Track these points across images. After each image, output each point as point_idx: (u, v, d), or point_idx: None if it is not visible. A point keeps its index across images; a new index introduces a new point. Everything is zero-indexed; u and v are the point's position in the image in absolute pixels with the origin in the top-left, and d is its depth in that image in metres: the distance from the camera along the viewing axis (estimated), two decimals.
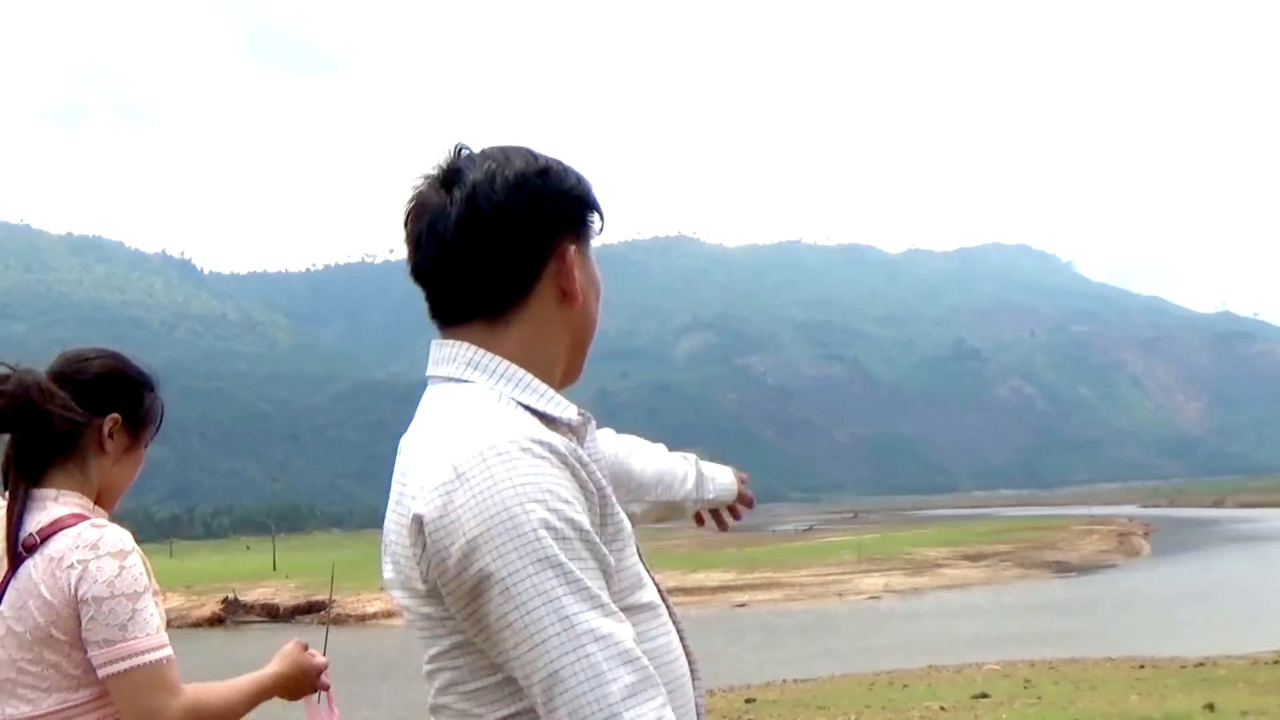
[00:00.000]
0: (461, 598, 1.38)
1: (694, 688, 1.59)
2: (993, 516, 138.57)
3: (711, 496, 2.23)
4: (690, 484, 2.17)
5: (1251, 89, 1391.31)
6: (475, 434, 1.40)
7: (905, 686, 19.57)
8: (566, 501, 1.37)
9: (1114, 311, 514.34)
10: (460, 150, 1.58)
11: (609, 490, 1.47)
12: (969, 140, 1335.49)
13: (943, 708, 15.00)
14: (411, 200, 1.57)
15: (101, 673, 2.11)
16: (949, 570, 62.04)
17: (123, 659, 2.10)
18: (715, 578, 60.36)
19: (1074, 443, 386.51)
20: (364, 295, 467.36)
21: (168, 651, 2.15)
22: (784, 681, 24.51)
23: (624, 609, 1.42)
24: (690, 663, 1.60)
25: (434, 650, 1.47)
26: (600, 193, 1.64)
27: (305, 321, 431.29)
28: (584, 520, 1.38)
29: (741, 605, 51.31)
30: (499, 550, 1.33)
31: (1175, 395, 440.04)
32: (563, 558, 1.33)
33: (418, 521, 1.39)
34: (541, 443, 1.40)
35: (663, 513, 2.18)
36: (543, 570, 1.33)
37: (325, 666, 2.48)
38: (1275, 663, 22.18)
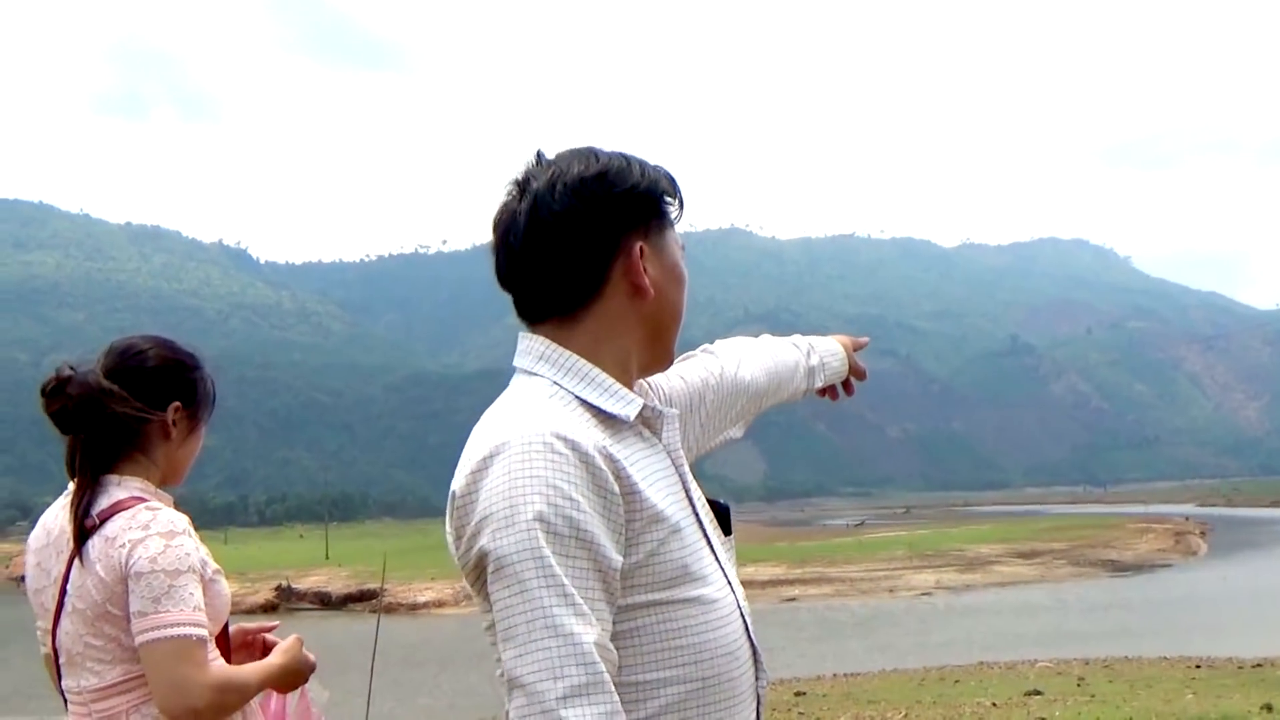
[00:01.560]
0: (469, 573, 1.51)
1: (757, 679, 1.66)
2: (1046, 514, 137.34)
3: (821, 384, 2.24)
4: (800, 376, 2.18)
5: None
6: (512, 425, 1.51)
7: (956, 683, 19.51)
8: (571, 500, 1.44)
9: (1172, 308, 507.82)
10: (539, 157, 1.65)
11: (641, 487, 1.53)
12: (1024, 133, 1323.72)
13: (994, 704, 14.90)
14: (499, 208, 1.66)
15: (136, 641, 2.21)
16: (1001, 567, 61.62)
17: (153, 629, 2.19)
18: (766, 571, 60.24)
19: (1130, 441, 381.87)
20: (417, 286, 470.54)
21: (201, 631, 2.23)
22: (834, 676, 24.50)
23: (660, 603, 1.52)
24: (755, 655, 1.66)
25: (484, 625, 1.55)
26: (681, 192, 1.70)
27: (359, 312, 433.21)
28: (587, 521, 1.45)
29: (792, 600, 51.26)
30: (496, 533, 1.44)
31: (1234, 394, 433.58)
32: (547, 551, 1.41)
33: (451, 497, 1.52)
34: (566, 440, 1.47)
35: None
36: (524, 560, 1.41)
37: (315, 666, 2.59)
38: None
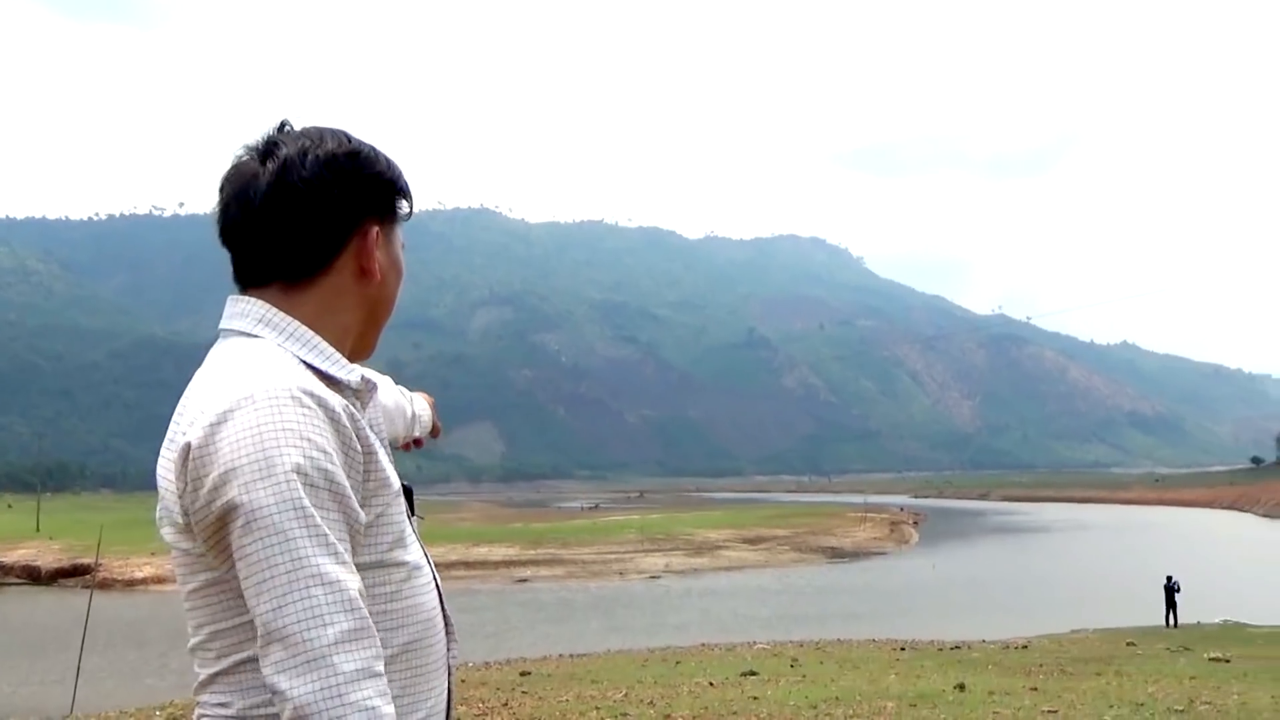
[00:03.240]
0: (208, 527, 1.46)
1: (448, 648, 1.71)
2: (774, 502, 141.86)
3: (417, 434, 2.36)
4: (408, 419, 2.30)
5: (1030, 109, 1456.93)
6: (251, 378, 1.50)
7: (678, 663, 19.97)
8: (324, 452, 1.46)
9: (899, 308, 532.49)
10: (283, 125, 1.68)
11: (378, 448, 1.58)
12: (770, 133, 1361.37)
13: (711, 684, 15.39)
14: (230, 167, 1.65)
15: None
16: (729, 552, 63.29)
17: None
18: (499, 552, 60.29)
19: (854, 433, 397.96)
20: (150, 249, 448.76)
21: None
22: (560, 656, 24.74)
23: (382, 564, 1.56)
24: (447, 625, 1.72)
25: (190, 586, 1.54)
26: (404, 161, 1.73)
27: (84, 273, 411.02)
28: (338, 474, 1.47)
29: (524, 581, 51.47)
30: (248, 484, 1.41)
31: (950, 392, 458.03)
32: (306, 502, 1.42)
33: (185, 450, 1.48)
34: (312, 395, 1.49)
35: None
36: (284, 511, 1.40)
37: None
38: (1024, 647, 23.55)
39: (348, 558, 1.44)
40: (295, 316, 1.61)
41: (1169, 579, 32.55)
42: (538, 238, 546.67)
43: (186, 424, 1.50)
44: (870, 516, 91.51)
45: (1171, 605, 32.10)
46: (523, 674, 18.47)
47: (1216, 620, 31.61)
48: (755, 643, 25.97)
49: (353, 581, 1.43)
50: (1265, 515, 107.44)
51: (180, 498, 1.49)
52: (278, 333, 1.59)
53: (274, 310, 1.61)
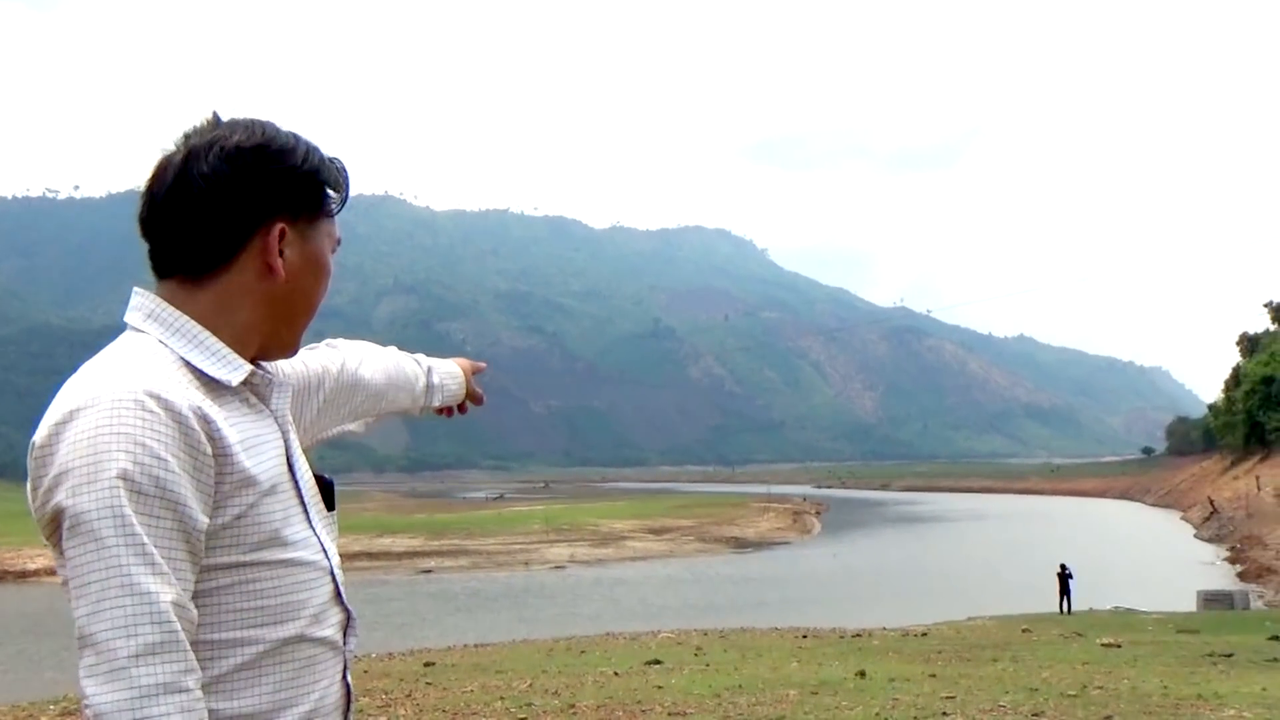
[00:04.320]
0: (44, 527, 1.47)
1: (345, 641, 1.71)
2: (679, 492, 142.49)
3: (439, 403, 2.30)
4: (419, 389, 2.23)
5: (934, 104, 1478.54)
6: (103, 379, 1.48)
7: (583, 653, 20.01)
8: (158, 459, 1.42)
9: (802, 300, 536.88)
10: (215, 117, 1.64)
11: (236, 449, 1.52)
12: (676, 124, 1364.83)
13: (616, 673, 15.45)
14: (160, 157, 1.62)
15: None
16: (634, 542, 63.57)
17: None
18: (402, 543, 59.96)
19: (758, 424, 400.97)
20: (43, 233, 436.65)
21: None
22: (465, 646, 24.68)
23: (249, 564, 1.53)
24: (348, 619, 1.72)
25: (61, 579, 1.52)
26: (349, 187, 1.72)
27: None
28: (174, 481, 1.43)
29: (428, 571, 51.22)
30: (75, 489, 1.40)
31: (853, 383, 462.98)
32: (128, 510, 1.39)
33: (31, 448, 1.48)
34: (159, 398, 1.46)
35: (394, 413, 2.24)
36: (104, 518, 1.39)
37: None
38: (923, 634, 23.92)
39: (168, 569, 1.41)
40: (190, 311, 1.58)
41: (1063, 567, 33.29)
42: (443, 226, 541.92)
43: (42, 422, 1.50)
44: (773, 506, 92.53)
45: (1065, 592, 32.84)
46: (426, 665, 18.40)
47: (1108, 607, 32.39)
48: (660, 632, 26.09)
49: (166, 593, 1.40)
50: (1155, 504, 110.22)
51: (29, 495, 1.50)
52: (164, 328, 1.57)
53: (164, 305, 1.59)
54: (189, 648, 1.41)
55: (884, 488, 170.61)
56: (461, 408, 2.40)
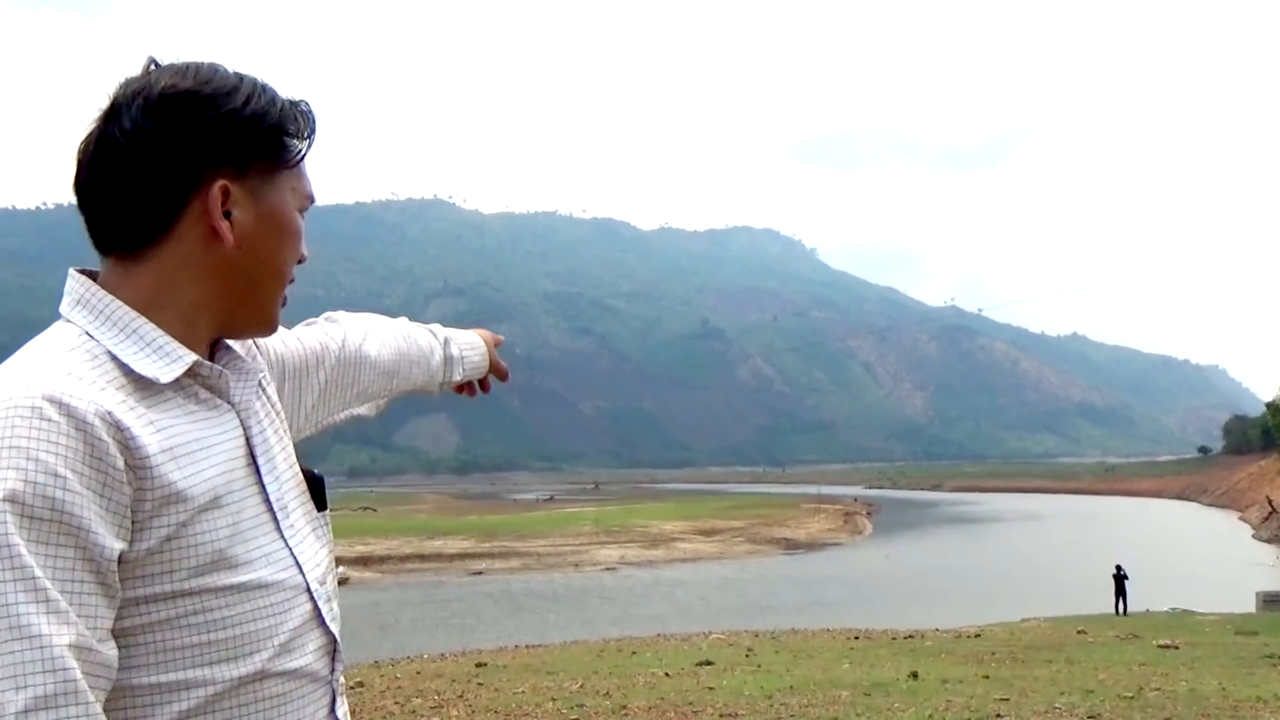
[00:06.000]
0: None
1: (331, 670, 1.44)
2: (728, 493, 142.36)
3: (460, 377, 2.05)
4: (436, 363, 1.98)
5: (983, 101, 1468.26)
6: (4, 384, 1.24)
7: (634, 654, 20.05)
8: (55, 476, 1.18)
9: (851, 300, 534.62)
10: (149, 63, 1.39)
11: (158, 461, 1.25)
12: (723, 124, 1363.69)
13: (667, 674, 15.45)
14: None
15: None
16: (684, 544, 63.54)
17: None
18: (454, 545, 60.23)
19: (807, 424, 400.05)
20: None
21: None
22: (516, 647, 24.78)
23: (188, 592, 1.27)
24: (334, 645, 1.44)
25: None
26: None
27: (31, 263, 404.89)
28: (74, 502, 1.18)
29: (479, 573, 51.41)
30: None
31: (903, 383, 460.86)
32: (17, 539, 1.15)
33: None
34: (61, 405, 1.21)
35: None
36: None
37: None
38: (976, 635, 23.76)
39: (66, 605, 1.16)
40: (127, 294, 1.34)
41: (1118, 567, 32.97)
42: (491, 229, 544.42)
43: None
44: (824, 508, 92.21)
45: (1121, 593, 32.53)
46: (478, 665, 18.48)
47: (1165, 608, 32.04)
48: (711, 633, 26.07)
49: (63, 635, 1.15)
50: (1212, 504, 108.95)
51: None
52: (91, 316, 1.33)
53: (93, 289, 1.34)
54: (91, 698, 1.17)
55: (935, 488, 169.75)
56: (484, 384, 2.15)
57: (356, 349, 1.79)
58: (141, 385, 1.31)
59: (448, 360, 2.02)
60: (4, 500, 1.16)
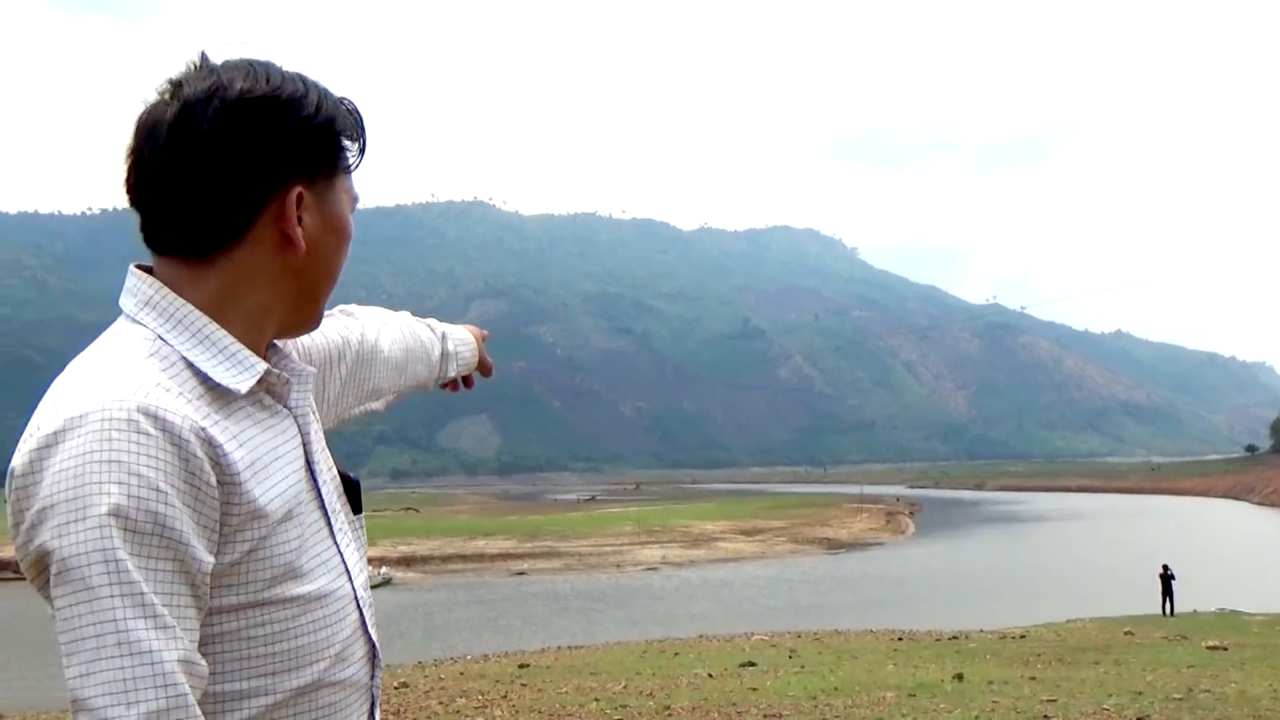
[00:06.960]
0: (29, 568, 1.23)
1: (371, 677, 1.46)
2: (769, 493, 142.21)
3: (454, 373, 2.07)
4: (435, 358, 1.99)
5: (1024, 98, 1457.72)
6: (92, 390, 1.23)
7: (676, 655, 20.03)
8: (157, 491, 1.19)
9: (892, 298, 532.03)
10: (202, 58, 1.36)
11: (244, 477, 1.27)
12: (762, 124, 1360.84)
13: (710, 675, 15.43)
14: (145, 109, 1.34)
15: None
16: (725, 544, 63.47)
17: None
18: (496, 545, 60.42)
19: (849, 424, 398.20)
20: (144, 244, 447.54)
21: None
22: (558, 648, 24.82)
23: (261, 603, 1.28)
24: (373, 652, 1.45)
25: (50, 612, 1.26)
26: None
27: (79, 267, 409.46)
28: (172, 516, 1.19)
29: (521, 573, 51.56)
30: (60, 528, 1.17)
31: (945, 382, 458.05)
32: (123, 553, 1.16)
33: (10, 475, 1.24)
34: (155, 417, 1.21)
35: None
36: (94, 564, 1.16)
37: None
38: (1021, 637, 23.58)
39: (172, 620, 1.18)
40: (196, 297, 1.32)
41: (1165, 568, 32.64)
42: (531, 230, 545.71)
43: (21, 442, 1.25)
44: (866, 507, 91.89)
45: (1168, 594, 32.20)
46: (521, 666, 18.53)
47: (1213, 609, 31.71)
48: (753, 634, 26.03)
49: (171, 650, 1.16)
50: (1260, 503, 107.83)
51: (11, 531, 1.25)
52: (163, 319, 1.31)
53: (162, 291, 1.32)
54: (199, 712, 1.19)
55: (978, 488, 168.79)
56: (468, 381, 2.16)
57: (373, 344, 1.79)
58: (218, 394, 1.31)
59: (445, 355, 2.02)
60: (109, 514, 1.16)
